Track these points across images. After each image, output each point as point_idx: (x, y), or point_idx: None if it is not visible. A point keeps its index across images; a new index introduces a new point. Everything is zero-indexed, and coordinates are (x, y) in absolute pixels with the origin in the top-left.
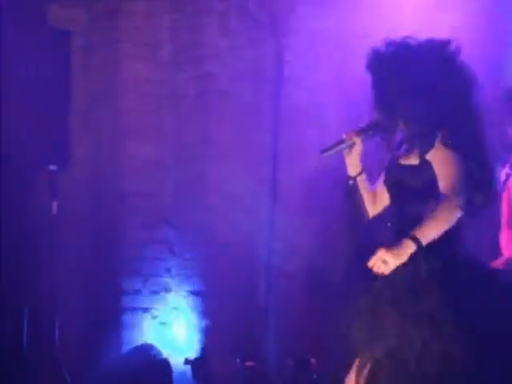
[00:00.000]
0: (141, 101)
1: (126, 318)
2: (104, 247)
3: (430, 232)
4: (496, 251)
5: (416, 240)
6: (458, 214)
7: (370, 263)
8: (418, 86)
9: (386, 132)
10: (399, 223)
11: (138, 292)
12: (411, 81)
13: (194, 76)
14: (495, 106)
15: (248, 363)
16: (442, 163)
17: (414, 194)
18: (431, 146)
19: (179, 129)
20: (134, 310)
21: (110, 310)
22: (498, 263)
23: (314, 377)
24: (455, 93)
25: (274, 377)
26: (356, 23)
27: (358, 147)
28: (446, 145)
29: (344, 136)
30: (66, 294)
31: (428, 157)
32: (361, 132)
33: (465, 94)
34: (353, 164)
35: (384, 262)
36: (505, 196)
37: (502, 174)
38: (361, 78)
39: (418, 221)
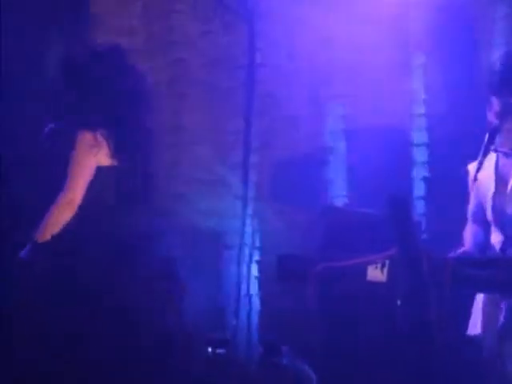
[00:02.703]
0: None
1: None
2: None
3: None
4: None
5: None
6: (69, 212)
7: None
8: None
9: None
10: None
11: None
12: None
13: (166, 63)
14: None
15: (219, 350)
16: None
17: None
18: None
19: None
20: None
21: None
22: (455, 253)
23: (284, 363)
24: (119, 95)
25: (244, 364)
26: (337, 11)
27: None
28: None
29: None
30: None
31: None
32: None
33: (131, 97)
34: None
35: None
36: (472, 190)
37: (471, 167)
38: (335, 67)
39: None
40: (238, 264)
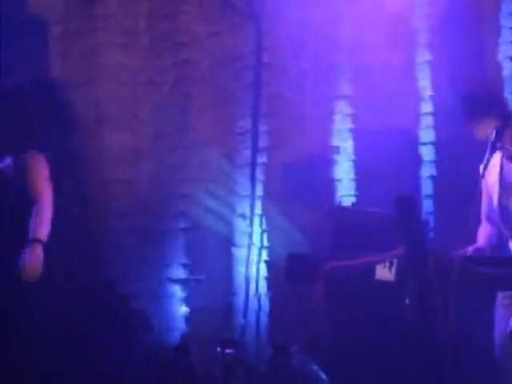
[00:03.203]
0: (118, 88)
1: None
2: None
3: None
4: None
5: (41, 241)
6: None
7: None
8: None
9: None
10: None
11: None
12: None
13: (173, 63)
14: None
15: (228, 350)
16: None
17: None
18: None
19: (157, 116)
20: None
21: None
22: (467, 250)
23: (293, 363)
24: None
25: (253, 364)
26: (342, 12)
27: None
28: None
29: None
30: None
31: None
32: None
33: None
34: None
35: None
36: (483, 190)
37: (480, 168)
38: (341, 67)
39: None
40: (247, 263)
